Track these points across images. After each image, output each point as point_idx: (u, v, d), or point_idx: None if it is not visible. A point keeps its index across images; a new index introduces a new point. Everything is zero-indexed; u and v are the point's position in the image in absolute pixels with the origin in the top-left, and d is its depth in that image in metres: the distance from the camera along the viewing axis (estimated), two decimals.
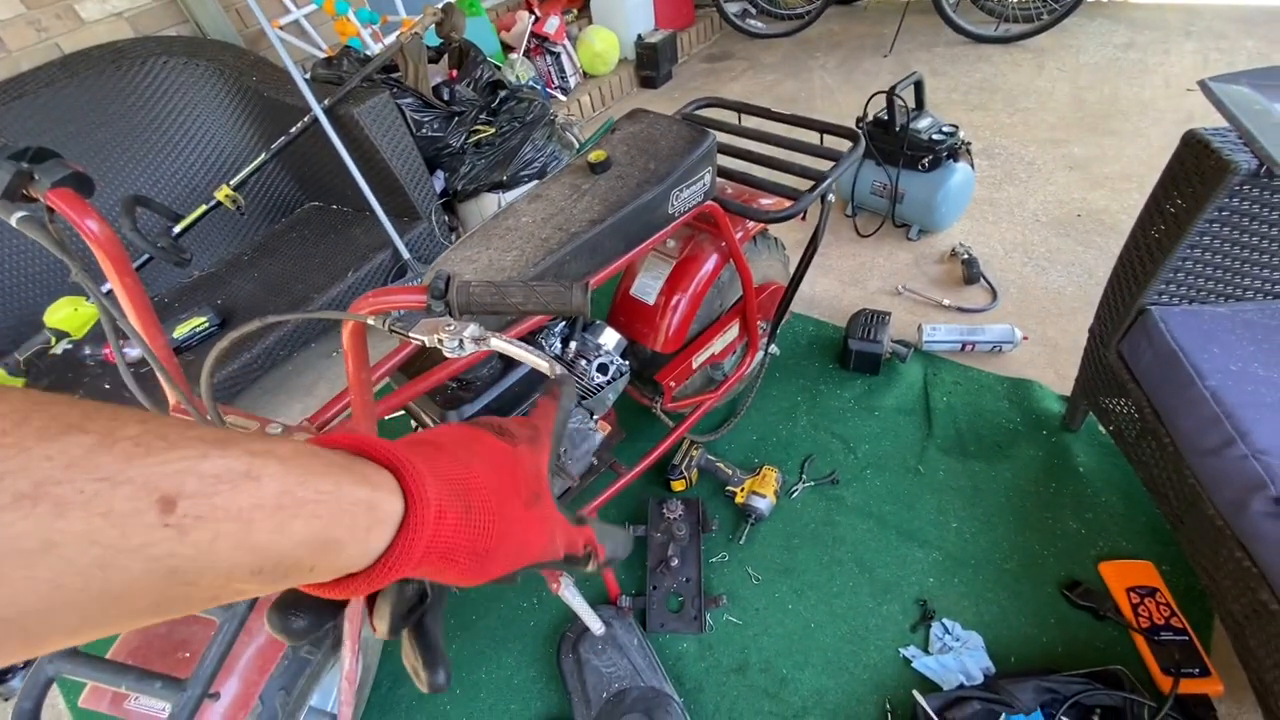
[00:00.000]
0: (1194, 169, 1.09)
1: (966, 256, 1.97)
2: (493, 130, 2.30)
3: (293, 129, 2.00)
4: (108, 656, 0.75)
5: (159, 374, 0.77)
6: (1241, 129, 1.04)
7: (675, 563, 1.41)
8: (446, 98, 2.24)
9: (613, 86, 3.49)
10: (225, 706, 0.80)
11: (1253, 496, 0.99)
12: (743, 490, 1.49)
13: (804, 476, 1.56)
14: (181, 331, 1.97)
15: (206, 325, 1.98)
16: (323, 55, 2.54)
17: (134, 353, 1.98)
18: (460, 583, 0.35)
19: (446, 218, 2.38)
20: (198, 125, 2.20)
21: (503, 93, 2.37)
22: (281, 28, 2.62)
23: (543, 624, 1.41)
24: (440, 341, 0.63)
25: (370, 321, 0.65)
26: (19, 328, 1.88)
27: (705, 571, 1.41)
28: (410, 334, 0.64)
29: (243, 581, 0.25)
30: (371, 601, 0.35)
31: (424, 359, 1.05)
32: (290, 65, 1.83)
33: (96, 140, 2.04)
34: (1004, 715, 1.07)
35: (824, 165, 1.31)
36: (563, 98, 3.32)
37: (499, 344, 0.64)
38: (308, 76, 2.20)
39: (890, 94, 1.96)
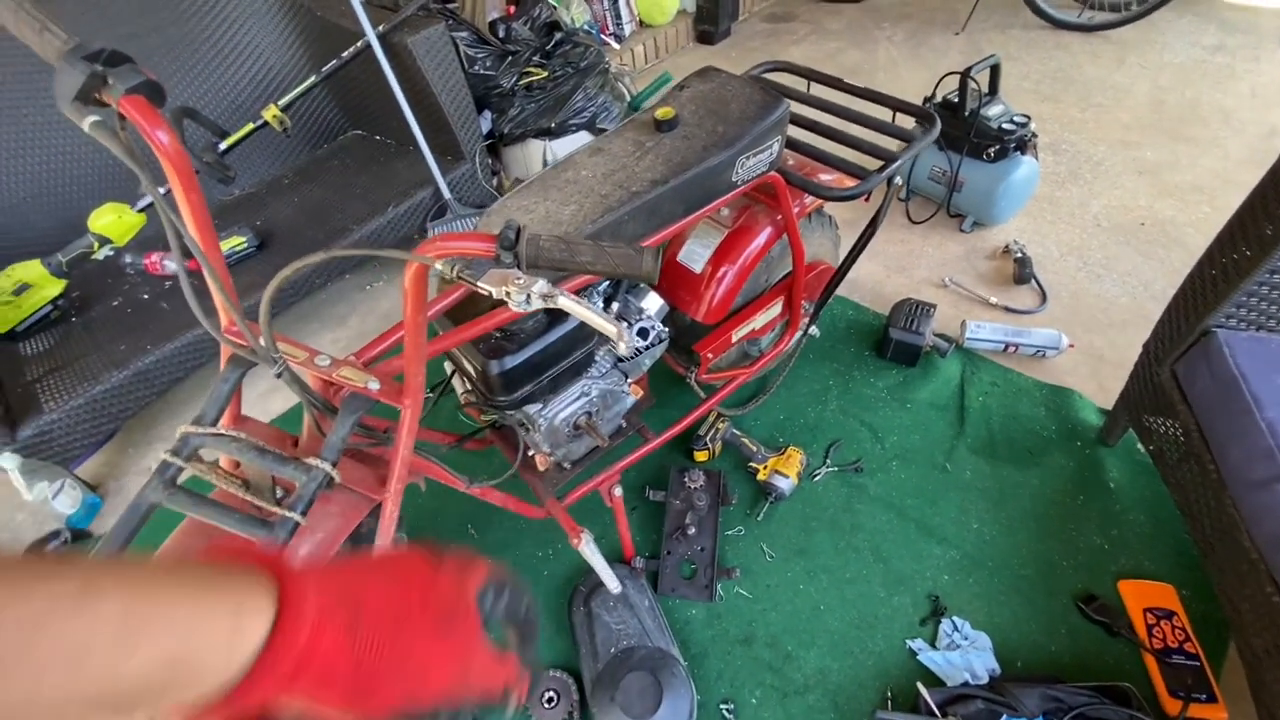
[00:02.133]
0: None
1: (1020, 255, 1.90)
2: (545, 74, 2.24)
3: (344, 53, 1.96)
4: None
5: (216, 293, 0.77)
6: None
7: (692, 531, 1.42)
8: (502, 35, 2.18)
9: (668, 39, 3.37)
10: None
11: None
12: (765, 468, 1.49)
13: (828, 461, 1.55)
14: (223, 248, 1.98)
15: (245, 245, 1.99)
16: None
17: (174, 266, 2.00)
18: (339, 713, 0.30)
19: (490, 160, 2.34)
20: (249, 40, 2.15)
21: (558, 35, 2.30)
22: None
23: (556, 574, 1.44)
24: (509, 294, 0.62)
25: (438, 266, 0.64)
26: (62, 230, 1.89)
27: (720, 543, 1.43)
28: (479, 283, 0.63)
29: (82, 717, 0.22)
30: None
31: (471, 305, 1.05)
32: None
33: (148, 46, 2.01)
34: (1005, 717, 1.09)
35: (892, 145, 1.26)
36: (616, 46, 3.21)
37: (567, 302, 0.63)
38: None
39: (965, 76, 1.87)
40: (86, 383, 1.64)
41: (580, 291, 1.15)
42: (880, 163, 1.20)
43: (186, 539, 0.83)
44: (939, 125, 1.25)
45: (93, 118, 0.65)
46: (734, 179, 1.09)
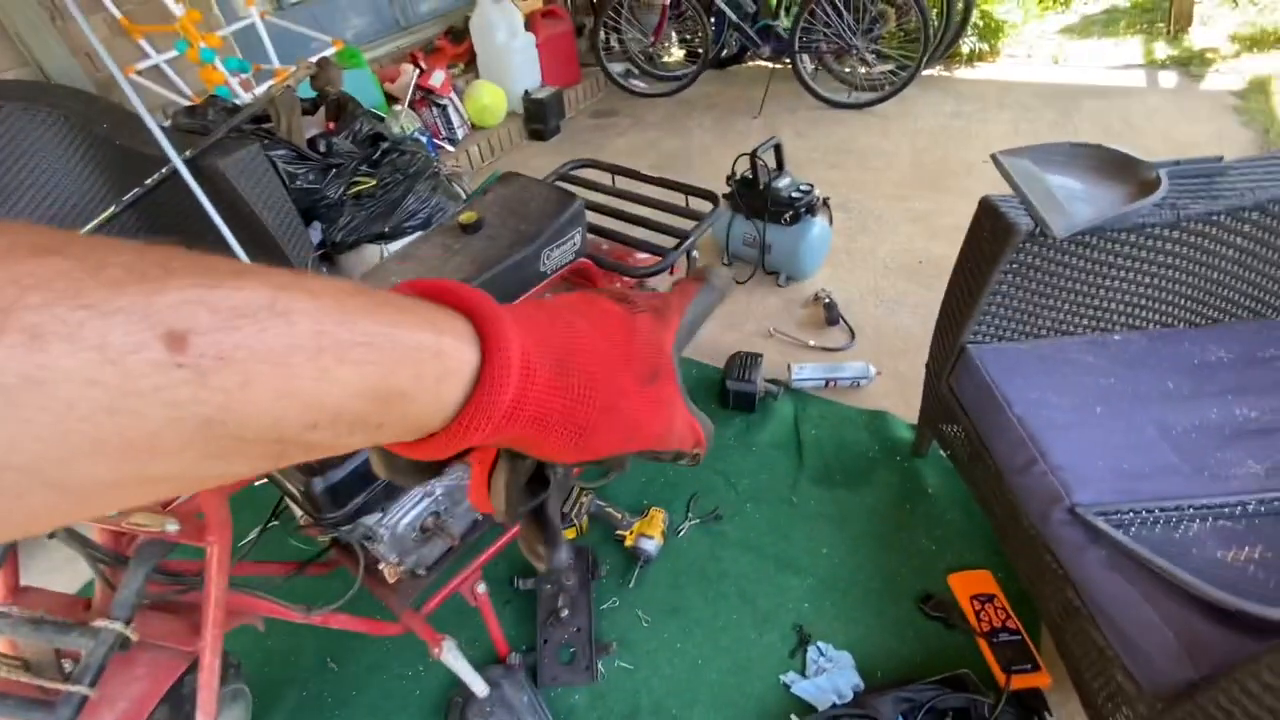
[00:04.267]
0: (989, 229, 1.29)
1: (828, 300, 2.16)
2: (374, 182, 2.28)
3: (148, 180, 1.89)
4: None
5: None
6: (1021, 196, 1.25)
7: (565, 613, 1.41)
8: (323, 150, 2.21)
9: (501, 139, 3.56)
10: None
11: (1053, 508, 1.15)
12: (631, 533, 1.53)
13: (690, 514, 1.62)
14: None
15: None
16: (187, 103, 2.42)
17: None
18: (562, 458, 0.31)
19: (324, 268, 2.31)
20: (36, 175, 2.02)
21: (384, 144, 2.36)
22: (140, 73, 2.48)
23: (429, 691, 1.36)
24: None
25: None
26: None
27: (596, 619, 1.43)
28: None
29: (301, 436, 0.21)
30: (489, 479, 0.32)
31: None
32: (144, 114, 1.74)
33: None
34: None
35: (689, 224, 1.42)
36: (451, 149, 3.35)
37: None
38: (168, 125, 2.10)
39: (753, 156, 2.15)
40: None
41: None
42: (677, 240, 1.35)
43: None
44: (722, 204, 1.43)
45: None
46: (543, 269, 1.18)
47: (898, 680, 1.27)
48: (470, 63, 3.73)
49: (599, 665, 1.36)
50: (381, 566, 1.18)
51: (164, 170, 1.87)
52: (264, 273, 0.21)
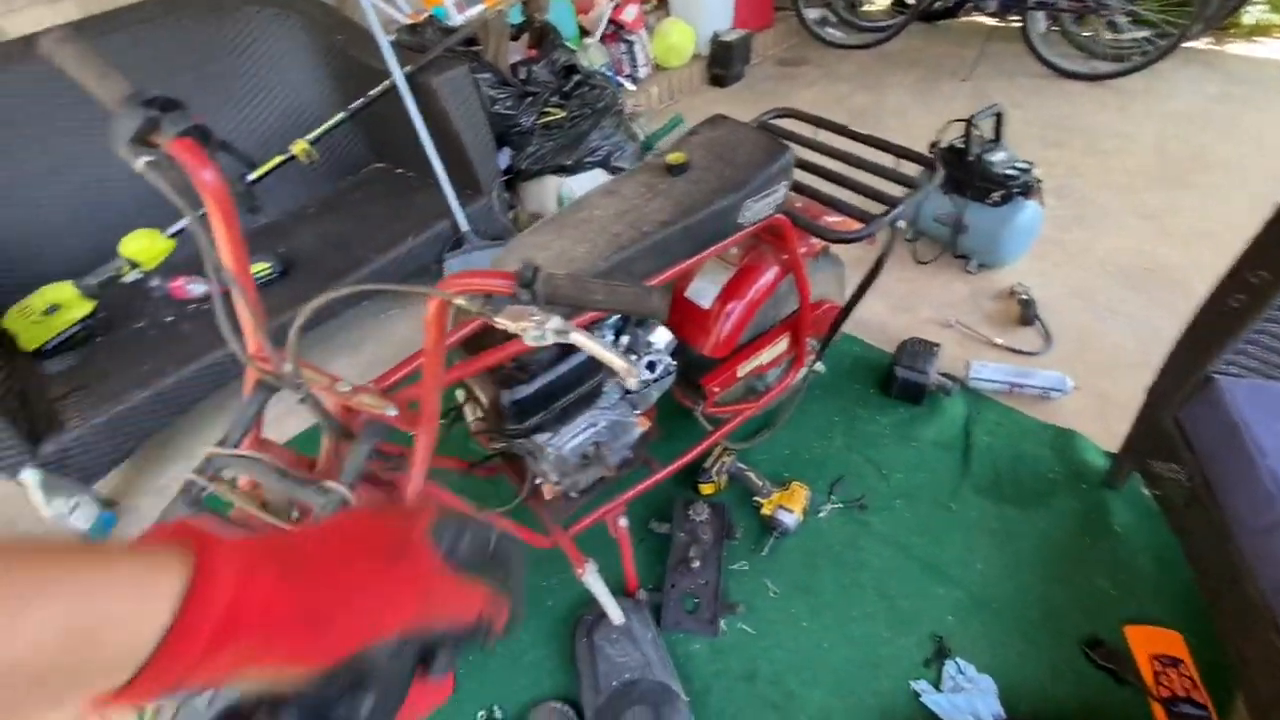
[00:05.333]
0: None
1: (1025, 297, 1.93)
2: (563, 114, 2.32)
3: (372, 91, 2.05)
4: None
5: (246, 320, 0.81)
6: None
7: (696, 564, 1.42)
8: (523, 77, 2.27)
9: (682, 81, 3.49)
10: None
11: None
12: (770, 502, 1.50)
13: (832, 497, 1.56)
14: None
15: (269, 271, 2.05)
16: (406, 21, 2.58)
17: (199, 290, 2.06)
18: (304, 660, 0.28)
19: (507, 195, 2.41)
20: (282, 77, 2.26)
21: (576, 77, 2.39)
22: None
23: (560, 605, 1.44)
24: (524, 330, 0.66)
25: (460, 302, 0.68)
26: (94, 253, 1.96)
27: (725, 577, 1.43)
28: (498, 319, 0.66)
29: None
30: None
31: (486, 337, 1.08)
32: (377, 30, 1.87)
33: (185, 81, 2.11)
34: None
35: (895, 190, 1.30)
36: (631, 87, 3.33)
37: (579, 338, 0.66)
38: (392, 40, 2.25)
39: (969, 123, 1.93)
40: (109, 401, 1.68)
41: (591, 326, 1.19)
42: (884, 208, 1.24)
43: None
44: (941, 172, 1.29)
45: (145, 159, 0.70)
46: (740, 221, 1.14)
47: None
48: (663, 1, 3.65)
49: (721, 621, 1.37)
50: (539, 482, 1.25)
51: (386, 83, 2.02)
52: None
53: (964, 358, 1.80)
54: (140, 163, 0.69)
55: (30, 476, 1.54)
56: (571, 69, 2.40)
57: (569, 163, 2.31)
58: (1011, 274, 2.09)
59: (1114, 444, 1.55)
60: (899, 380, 1.69)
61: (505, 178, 2.39)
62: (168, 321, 1.99)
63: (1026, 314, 1.90)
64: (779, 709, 1.25)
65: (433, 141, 2.06)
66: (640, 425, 1.31)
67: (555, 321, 0.65)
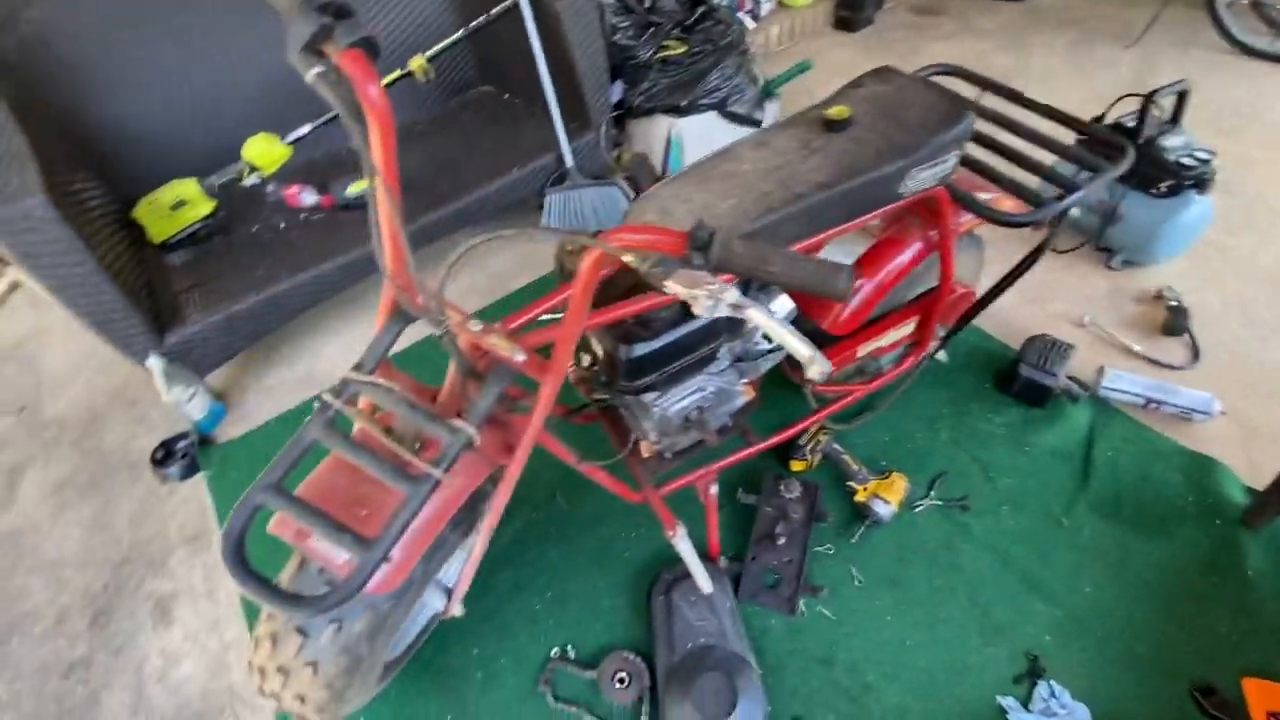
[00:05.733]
0: None
1: (1175, 303, 1.74)
2: (684, 49, 2.19)
3: (493, 10, 1.97)
4: (296, 494, 0.82)
5: (390, 245, 0.79)
6: None
7: (781, 541, 1.39)
8: (647, 5, 2.14)
9: (805, 22, 3.24)
10: (390, 569, 0.87)
11: None
12: (866, 489, 1.44)
13: (932, 493, 1.48)
14: (355, 190, 2.06)
15: None
16: None
17: (311, 200, 2.10)
18: None
19: (614, 131, 2.32)
20: None
21: (702, 8, 2.23)
22: None
23: (637, 558, 1.44)
24: (696, 299, 0.61)
25: (629, 259, 0.63)
26: (216, 153, 2.01)
27: (810, 558, 1.39)
28: (670, 283, 0.61)
29: None
30: None
31: (609, 286, 1.04)
32: None
33: None
34: None
35: (1067, 169, 1.15)
36: (751, 24, 3.11)
37: (759, 317, 0.61)
38: None
39: (1148, 100, 1.70)
40: (226, 301, 1.75)
41: None
42: (1059, 191, 1.11)
43: (331, 475, 0.87)
44: (1132, 158, 1.13)
45: (317, 69, 0.66)
46: (901, 190, 1.03)
47: None
48: None
49: (801, 602, 1.34)
50: (634, 437, 1.23)
51: (507, 3, 1.93)
52: None
53: (1095, 362, 1.64)
54: (312, 73, 0.66)
55: (155, 363, 1.63)
56: (696, 1, 2.25)
57: (683, 103, 2.19)
58: (1160, 275, 1.89)
59: (1258, 479, 1.41)
60: (1022, 379, 1.56)
61: (615, 114, 2.29)
62: (280, 228, 2.04)
63: (1175, 323, 1.71)
64: (854, 699, 1.23)
65: (548, 68, 1.98)
66: (745, 394, 1.26)
67: (733, 294, 0.60)
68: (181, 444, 1.74)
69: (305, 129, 1.97)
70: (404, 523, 0.76)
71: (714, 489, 1.32)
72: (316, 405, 0.82)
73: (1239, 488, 1.43)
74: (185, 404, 1.72)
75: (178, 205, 1.92)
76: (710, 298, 0.59)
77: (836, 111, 1.01)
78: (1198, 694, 1.18)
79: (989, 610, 1.31)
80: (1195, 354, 1.68)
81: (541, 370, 0.86)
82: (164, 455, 1.72)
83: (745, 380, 1.25)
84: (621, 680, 1.25)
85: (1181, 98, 1.75)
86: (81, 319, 1.53)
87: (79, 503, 1.69)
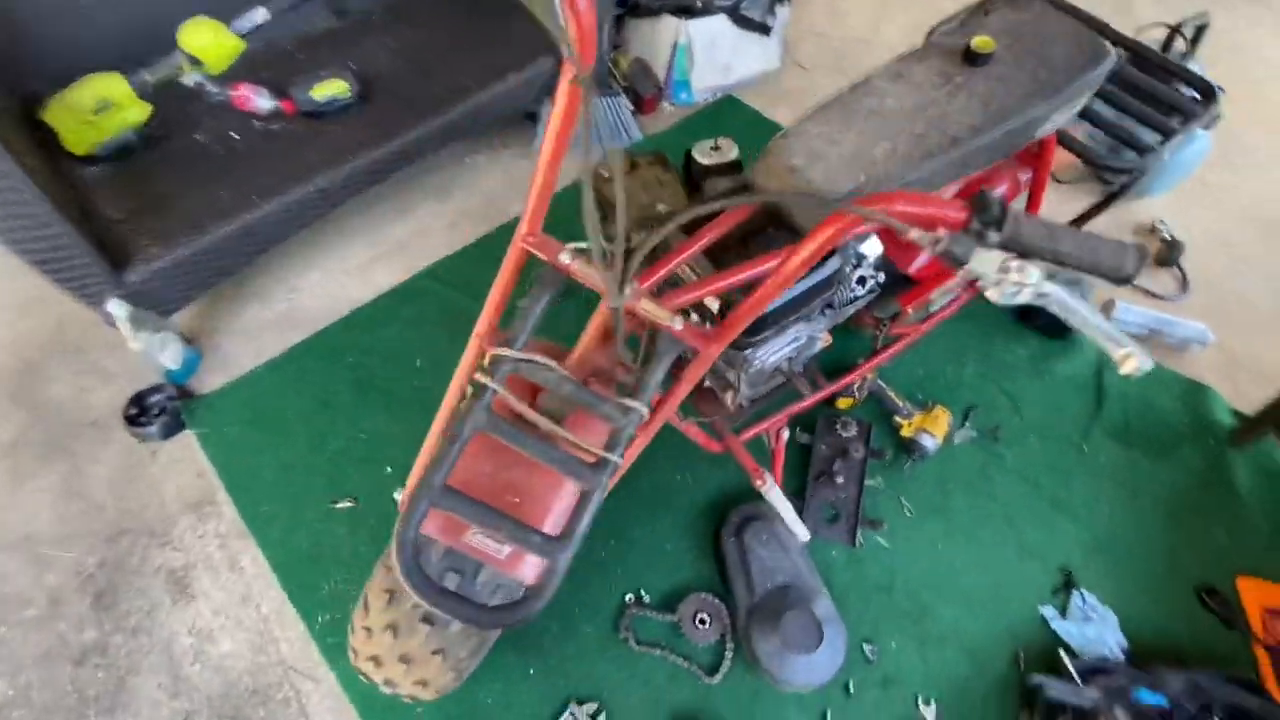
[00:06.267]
0: None
1: (1169, 237, 1.85)
2: None
3: None
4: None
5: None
6: None
7: (840, 479, 1.42)
8: None
9: None
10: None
11: None
12: (911, 424, 1.48)
13: (968, 425, 1.55)
14: (322, 94, 1.75)
15: (348, 93, 1.76)
16: None
17: (267, 105, 1.76)
18: None
19: (613, 33, 2.09)
20: None
21: None
22: None
23: (697, 500, 1.44)
24: (999, 282, 0.55)
25: (914, 236, 0.55)
26: (136, 40, 1.62)
27: (865, 493, 1.44)
28: (970, 264, 0.55)
29: None
30: None
31: (730, 249, 0.95)
32: None
33: None
34: (1142, 692, 1.17)
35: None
36: None
37: (1070, 303, 0.56)
38: None
39: (1174, 30, 1.71)
40: (193, 232, 1.48)
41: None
42: (1160, 136, 1.10)
43: (477, 462, 0.77)
44: (1221, 103, 1.13)
45: None
46: (1032, 134, 0.98)
47: (1165, 658, 1.25)
48: None
49: (859, 534, 1.40)
50: (710, 385, 1.19)
51: None
52: None
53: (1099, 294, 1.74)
54: None
55: (118, 309, 1.38)
56: None
57: (698, 3, 1.98)
58: (1151, 208, 1.99)
59: (1242, 403, 1.58)
60: (1045, 312, 1.62)
61: (618, 14, 2.05)
62: (234, 138, 1.71)
63: (1170, 255, 1.82)
64: (914, 620, 1.32)
65: None
66: (825, 340, 1.23)
67: (1036, 276, 0.54)
68: (156, 398, 1.51)
69: (260, 15, 1.63)
70: (591, 515, 0.69)
71: (785, 434, 1.31)
72: (470, 390, 0.70)
73: (1226, 411, 1.60)
74: (158, 353, 1.47)
75: (102, 108, 1.56)
76: (1014, 283, 0.54)
77: (981, 43, 0.93)
78: (1202, 594, 1.36)
79: (1023, 532, 1.43)
80: (1184, 285, 1.81)
81: (705, 340, 0.78)
82: (138, 412, 1.49)
83: (829, 327, 1.22)
84: (702, 621, 1.28)
85: (1199, 32, 1.77)
86: (20, 254, 1.24)
87: (39, 468, 1.45)
